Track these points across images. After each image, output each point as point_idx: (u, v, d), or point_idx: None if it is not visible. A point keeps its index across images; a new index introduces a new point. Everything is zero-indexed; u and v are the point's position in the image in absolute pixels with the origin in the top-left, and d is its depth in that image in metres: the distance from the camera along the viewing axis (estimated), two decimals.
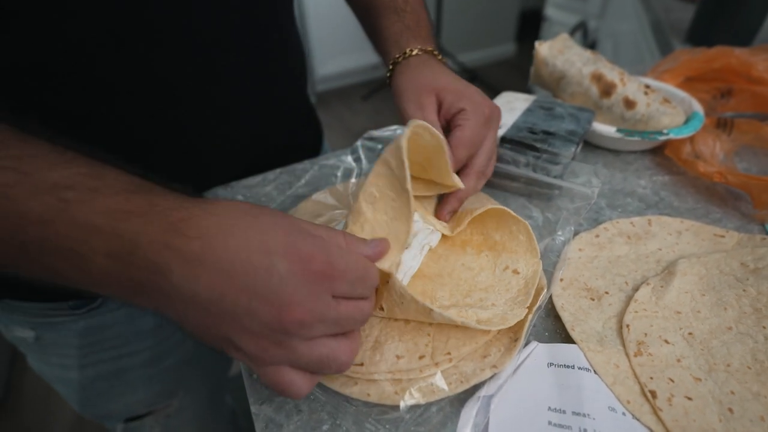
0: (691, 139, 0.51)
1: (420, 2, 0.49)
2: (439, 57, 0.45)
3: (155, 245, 0.23)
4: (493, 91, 0.55)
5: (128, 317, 0.49)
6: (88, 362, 0.50)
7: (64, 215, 0.23)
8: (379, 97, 2.52)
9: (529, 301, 0.34)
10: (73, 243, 0.23)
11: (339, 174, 0.49)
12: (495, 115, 0.41)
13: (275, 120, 0.52)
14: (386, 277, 0.30)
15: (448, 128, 0.40)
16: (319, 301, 0.25)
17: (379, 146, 0.52)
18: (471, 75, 2.57)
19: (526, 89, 0.78)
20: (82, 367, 0.50)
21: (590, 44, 1.61)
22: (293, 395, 0.26)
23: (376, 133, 0.51)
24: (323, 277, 0.25)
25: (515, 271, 0.36)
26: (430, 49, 0.44)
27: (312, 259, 0.25)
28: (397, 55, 0.44)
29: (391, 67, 0.44)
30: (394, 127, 0.52)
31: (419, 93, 0.40)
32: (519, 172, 0.45)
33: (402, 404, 0.29)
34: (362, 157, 0.50)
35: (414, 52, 0.43)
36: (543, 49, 0.55)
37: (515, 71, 2.78)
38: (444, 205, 0.40)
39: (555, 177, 0.44)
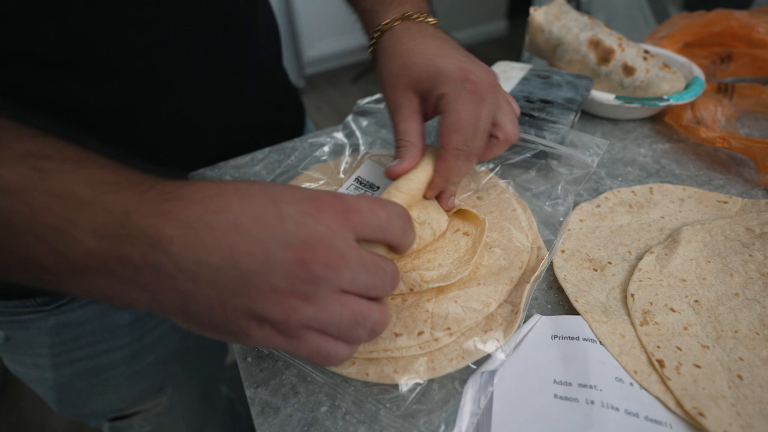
0: (692, 105, 0.50)
1: None
2: (421, 18, 0.37)
3: (150, 216, 0.20)
4: None
5: (102, 313, 0.46)
6: (63, 361, 0.47)
7: (41, 185, 0.20)
8: (368, 79, 2.47)
9: (474, 258, 0.33)
10: (52, 218, 0.20)
11: (327, 150, 0.48)
12: (484, 85, 0.32)
13: (247, 98, 0.49)
14: None
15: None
16: (341, 238, 0.22)
17: (370, 120, 0.50)
18: None
19: None
20: (56, 366, 0.47)
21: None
22: (336, 361, 0.23)
23: (364, 102, 0.49)
24: (341, 212, 0.23)
25: (465, 234, 0.36)
26: (408, 13, 0.37)
27: (321, 197, 0.23)
28: (374, 34, 0.38)
29: (370, 49, 0.39)
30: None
31: (394, 90, 0.35)
32: (516, 142, 0.43)
33: (402, 383, 0.28)
34: (355, 130, 0.48)
35: (388, 25, 0.37)
36: (538, 15, 0.53)
37: (507, 49, 2.73)
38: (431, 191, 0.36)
39: (553, 146, 0.43)
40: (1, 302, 0.43)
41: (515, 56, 2.50)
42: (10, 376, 1.29)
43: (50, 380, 0.49)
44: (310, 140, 0.50)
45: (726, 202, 0.40)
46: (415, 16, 0.37)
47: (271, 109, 0.54)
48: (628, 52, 0.51)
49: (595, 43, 0.51)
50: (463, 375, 0.29)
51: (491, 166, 0.43)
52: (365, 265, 0.23)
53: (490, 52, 2.66)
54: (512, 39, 2.83)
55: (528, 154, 0.42)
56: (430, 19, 0.38)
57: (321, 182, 0.42)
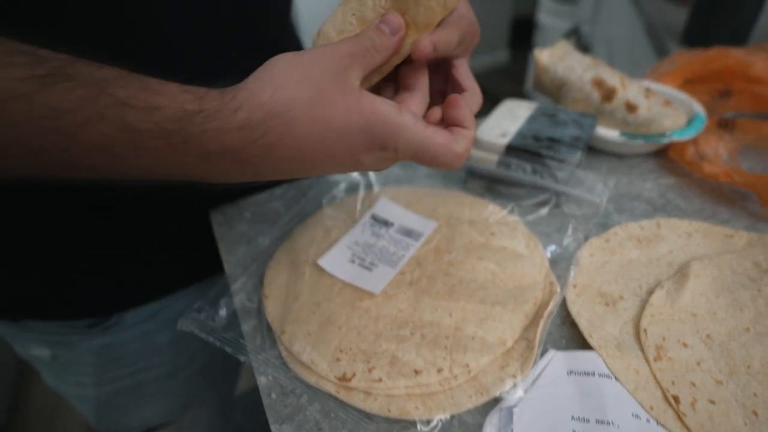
0: (694, 140, 0.51)
1: None
2: None
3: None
4: (489, 99, 0.54)
5: (144, 335, 0.48)
6: (105, 379, 0.49)
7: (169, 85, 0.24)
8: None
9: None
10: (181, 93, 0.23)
11: (343, 187, 0.50)
12: None
13: None
14: None
15: None
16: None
17: None
18: None
19: (521, 96, 0.78)
20: (98, 384, 0.49)
21: (584, 49, 1.62)
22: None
23: None
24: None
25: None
26: None
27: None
28: None
29: None
30: None
31: None
32: (526, 179, 0.45)
33: (423, 419, 0.29)
34: None
35: None
36: (543, 56, 0.55)
37: (510, 78, 2.79)
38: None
39: (562, 184, 0.44)
40: (50, 323, 0.45)
41: (518, 86, 2.56)
42: (16, 407, 1.29)
43: (91, 398, 0.51)
44: (326, 177, 0.52)
45: (732, 236, 0.41)
46: None
47: None
48: (629, 90, 0.53)
49: (598, 83, 0.54)
50: (483, 411, 0.30)
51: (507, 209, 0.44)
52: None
53: (493, 81, 2.72)
54: (515, 69, 2.90)
55: (539, 199, 0.43)
56: None
57: (339, 218, 0.44)
